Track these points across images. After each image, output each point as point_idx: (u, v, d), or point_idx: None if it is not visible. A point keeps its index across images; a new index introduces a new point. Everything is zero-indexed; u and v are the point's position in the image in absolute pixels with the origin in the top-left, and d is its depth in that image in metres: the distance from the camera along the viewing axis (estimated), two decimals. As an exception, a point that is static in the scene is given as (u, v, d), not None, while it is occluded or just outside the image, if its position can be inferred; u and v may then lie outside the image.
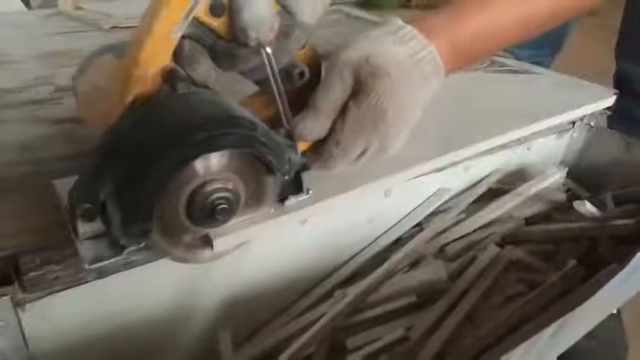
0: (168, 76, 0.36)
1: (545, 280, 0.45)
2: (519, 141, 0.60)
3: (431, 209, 0.54)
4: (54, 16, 1.04)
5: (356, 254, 0.52)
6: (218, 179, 0.36)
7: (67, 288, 0.36)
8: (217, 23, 0.38)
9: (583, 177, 0.66)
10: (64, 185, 0.40)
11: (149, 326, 0.41)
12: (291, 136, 0.40)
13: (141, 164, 0.33)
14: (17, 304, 0.35)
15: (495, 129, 0.56)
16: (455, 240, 0.52)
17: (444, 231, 0.53)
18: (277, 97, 0.39)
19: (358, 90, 0.40)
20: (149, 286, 0.39)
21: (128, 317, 0.40)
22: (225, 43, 0.39)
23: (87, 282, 0.36)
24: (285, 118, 0.40)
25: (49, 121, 0.57)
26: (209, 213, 0.36)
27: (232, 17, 0.37)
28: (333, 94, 0.40)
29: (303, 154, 0.41)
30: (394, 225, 0.53)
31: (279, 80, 0.39)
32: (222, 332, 0.42)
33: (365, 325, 0.45)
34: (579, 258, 0.51)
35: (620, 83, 0.92)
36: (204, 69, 0.39)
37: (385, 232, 0.53)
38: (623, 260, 0.40)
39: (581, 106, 0.63)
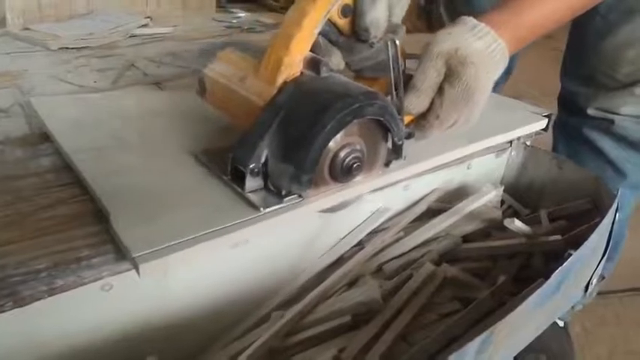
0: (312, 63, 0.46)
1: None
2: (459, 160, 0.61)
3: (371, 228, 0.55)
4: (2, 36, 1.01)
5: (297, 274, 0.52)
6: (354, 142, 0.45)
7: (-17, 318, 0.35)
8: (343, 22, 0.50)
9: (522, 195, 0.68)
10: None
11: (73, 355, 0.39)
12: (398, 111, 0.49)
13: (308, 128, 0.42)
14: None
15: (436, 149, 0.58)
16: (393, 258, 0.53)
17: (382, 250, 0.53)
18: (393, 79, 0.49)
19: (450, 75, 0.49)
20: (71, 314, 0.38)
21: (51, 347, 0.39)
22: (346, 39, 0.51)
23: (5, 311, 0.35)
24: (398, 96, 0.49)
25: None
26: (347, 170, 0.46)
27: (356, 18, 0.49)
28: (429, 78, 0.49)
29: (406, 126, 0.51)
30: (335, 244, 0.54)
31: (399, 65, 0.48)
32: (149, 358, 0.41)
33: (301, 346, 0.45)
34: (515, 274, 0.52)
35: (565, 102, 0.95)
36: (337, 59, 0.51)
37: (326, 251, 0.53)
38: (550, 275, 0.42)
39: (518, 127, 0.65)
